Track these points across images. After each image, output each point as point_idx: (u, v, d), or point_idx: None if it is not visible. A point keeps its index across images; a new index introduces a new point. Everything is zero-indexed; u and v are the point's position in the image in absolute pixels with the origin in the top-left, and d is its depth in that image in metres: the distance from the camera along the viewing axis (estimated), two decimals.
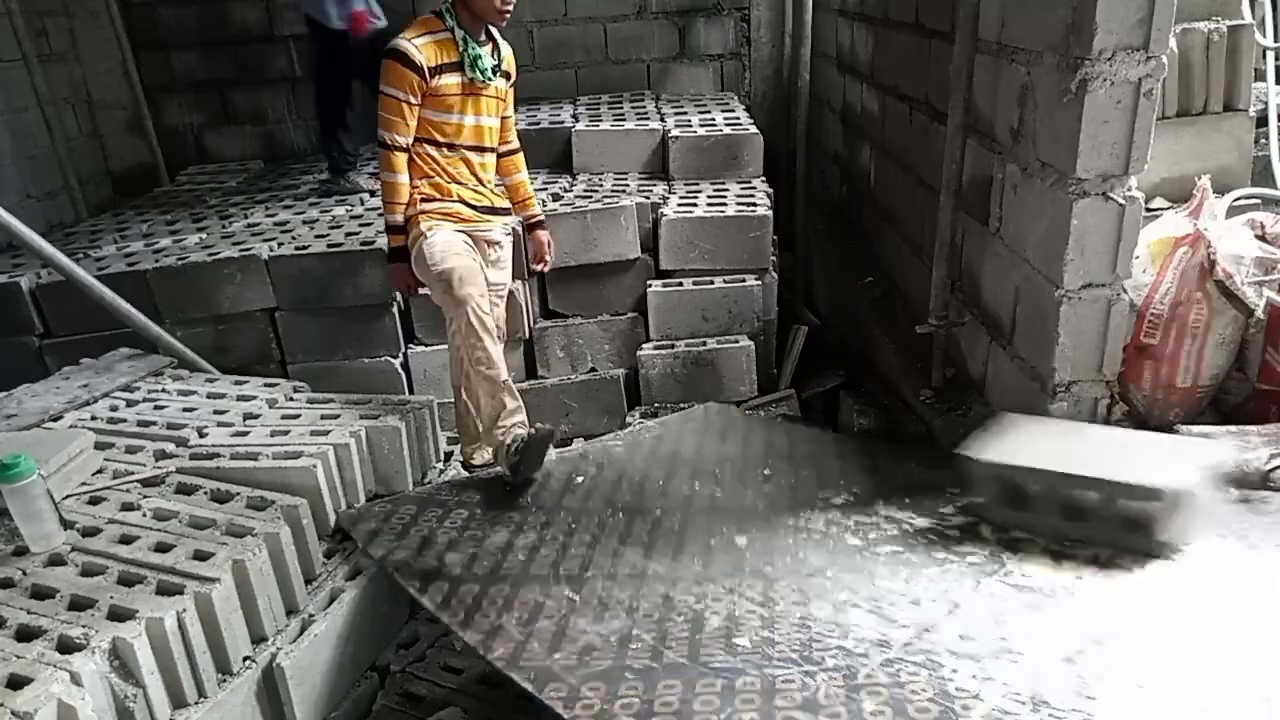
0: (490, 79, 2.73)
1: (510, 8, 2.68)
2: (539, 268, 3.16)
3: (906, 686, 1.51)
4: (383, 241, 3.47)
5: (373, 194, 4.11)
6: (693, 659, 1.68)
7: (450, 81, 2.65)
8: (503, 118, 2.89)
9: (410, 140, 2.68)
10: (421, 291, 2.86)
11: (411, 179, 2.73)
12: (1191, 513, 1.80)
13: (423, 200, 2.73)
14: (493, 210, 2.88)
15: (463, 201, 2.78)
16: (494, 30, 2.76)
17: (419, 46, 2.59)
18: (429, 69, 2.59)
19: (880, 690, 1.50)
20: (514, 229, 3.42)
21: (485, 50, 2.71)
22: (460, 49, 2.64)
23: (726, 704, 1.52)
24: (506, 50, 2.82)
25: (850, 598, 1.85)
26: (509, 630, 1.85)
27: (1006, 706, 1.43)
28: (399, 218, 2.74)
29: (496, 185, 2.94)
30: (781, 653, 1.66)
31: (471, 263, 2.73)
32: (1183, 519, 1.80)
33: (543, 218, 3.13)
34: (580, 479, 2.67)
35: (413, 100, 2.62)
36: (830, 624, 1.75)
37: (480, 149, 2.81)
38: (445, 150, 2.74)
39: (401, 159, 2.68)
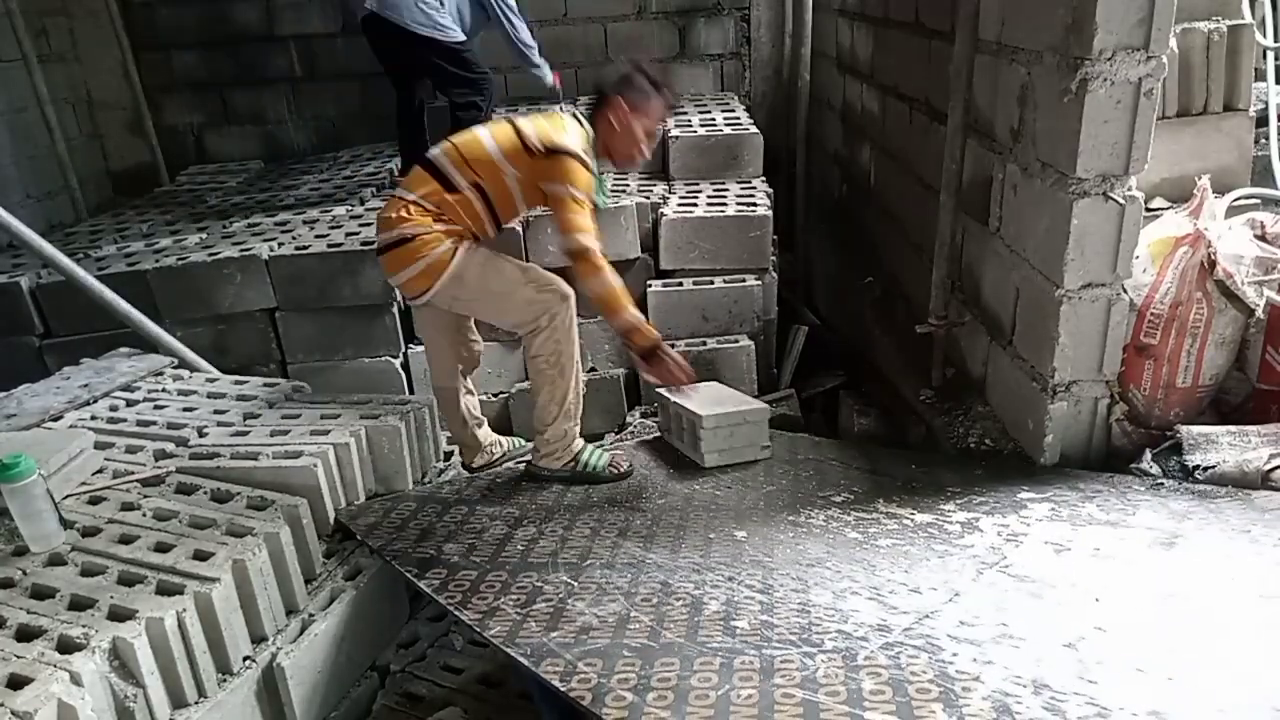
0: (603, 203, 2.73)
1: (646, 159, 2.69)
2: None
3: (906, 668, 1.51)
4: None
5: None
6: (691, 639, 1.68)
7: None
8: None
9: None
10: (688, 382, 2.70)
11: (446, 213, 2.56)
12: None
13: (447, 234, 2.56)
14: None
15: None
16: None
17: (588, 157, 2.53)
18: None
19: (880, 671, 1.51)
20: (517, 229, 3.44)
21: (607, 181, 2.71)
22: (592, 173, 2.54)
23: (724, 681, 1.53)
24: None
25: (850, 586, 1.85)
26: (506, 610, 1.86)
27: (1007, 689, 1.43)
28: (632, 314, 2.50)
29: None
30: (780, 635, 1.67)
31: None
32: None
33: None
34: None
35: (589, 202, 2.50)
36: (830, 610, 1.75)
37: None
38: (510, 219, 2.73)
39: (604, 260, 2.47)
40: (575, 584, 1.97)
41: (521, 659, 1.67)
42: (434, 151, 2.65)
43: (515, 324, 2.66)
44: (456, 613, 1.89)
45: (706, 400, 2.81)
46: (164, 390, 2.83)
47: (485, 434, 3.00)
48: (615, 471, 2.67)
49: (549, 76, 4.11)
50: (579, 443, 2.69)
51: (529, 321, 2.59)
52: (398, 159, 4.75)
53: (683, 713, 1.45)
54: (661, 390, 2.87)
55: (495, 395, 3.65)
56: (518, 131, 2.57)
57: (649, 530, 2.27)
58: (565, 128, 2.55)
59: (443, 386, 2.91)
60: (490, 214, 2.62)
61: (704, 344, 3.56)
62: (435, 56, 3.83)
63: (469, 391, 2.97)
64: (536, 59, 4.07)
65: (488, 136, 2.61)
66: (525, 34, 3.99)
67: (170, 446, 2.42)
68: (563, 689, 1.56)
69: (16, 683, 1.55)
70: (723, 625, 1.73)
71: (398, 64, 3.99)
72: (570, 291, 2.60)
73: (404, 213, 2.55)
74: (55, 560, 1.93)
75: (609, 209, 3.55)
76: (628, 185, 3.99)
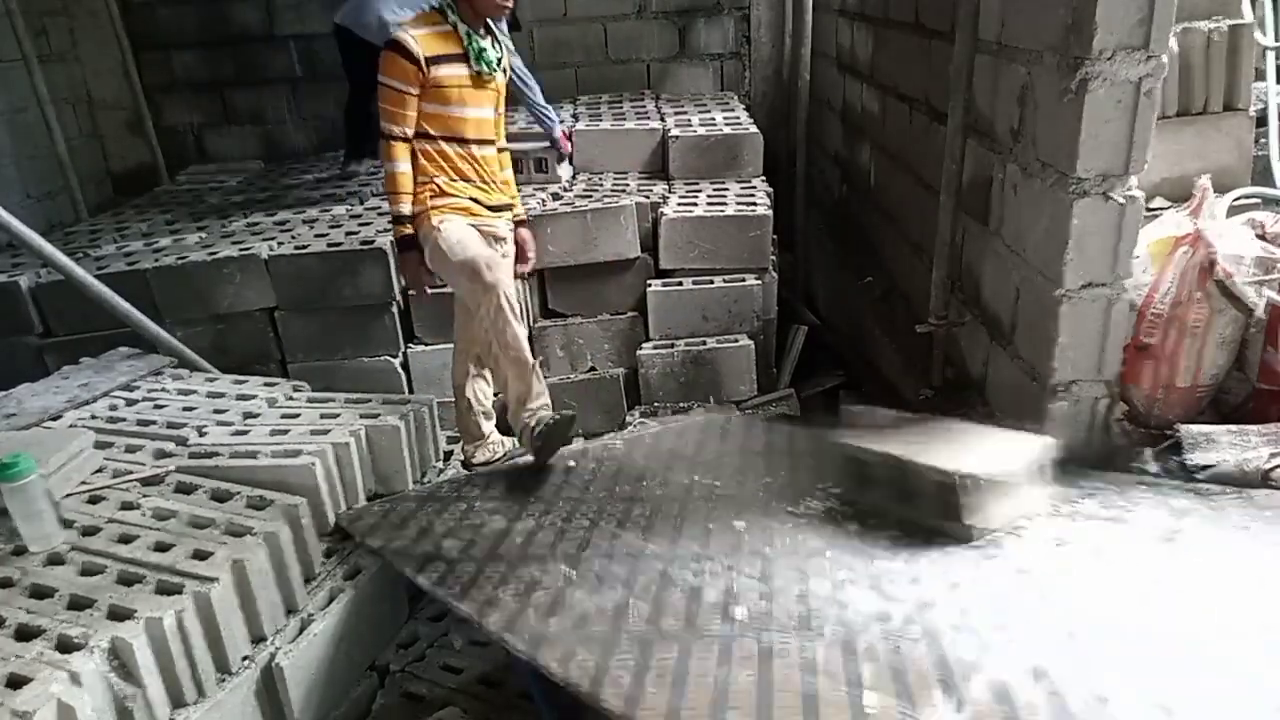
0: (494, 70, 2.75)
1: (510, 3, 2.71)
2: (521, 269, 3.10)
3: (906, 655, 1.51)
4: (383, 241, 3.48)
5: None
6: (690, 627, 1.69)
7: (451, 73, 2.66)
8: (497, 113, 2.90)
9: (410, 131, 2.67)
10: (432, 289, 2.86)
11: (419, 176, 2.72)
12: (987, 498, 1.92)
13: (432, 197, 2.73)
14: (501, 207, 2.90)
15: (473, 200, 2.79)
16: (493, 25, 2.78)
17: (417, 38, 2.60)
18: (426, 59, 2.60)
19: (879, 658, 1.51)
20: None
21: (487, 43, 2.72)
22: (464, 42, 2.65)
23: (723, 666, 1.53)
24: (506, 44, 2.84)
25: (849, 576, 1.86)
26: (505, 601, 1.86)
27: (1006, 677, 1.43)
28: (405, 208, 2.72)
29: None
30: (779, 623, 1.67)
31: (491, 250, 2.77)
32: (981, 504, 1.92)
33: (526, 218, 3.11)
34: (579, 473, 2.67)
35: (411, 90, 2.62)
36: (829, 599, 1.76)
37: (483, 142, 2.81)
38: (456, 146, 2.74)
39: (403, 149, 2.68)
40: (574, 574, 1.97)
41: (520, 647, 1.67)
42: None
43: (468, 297, 2.79)
44: (455, 605, 1.89)
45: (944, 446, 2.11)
46: (164, 390, 2.83)
47: (489, 429, 3.00)
48: (562, 413, 2.72)
49: (558, 132, 4.13)
50: (535, 419, 2.74)
51: (467, 293, 2.76)
52: None
53: (682, 697, 1.45)
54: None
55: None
56: None
57: (648, 521, 2.27)
58: (411, 19, 2.69)
59: (460, 383, 3.01)
60: (436, 150, 2.72)
61: (704, 344, 3.56)
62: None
63: (479, 376, 3.00)
64: (552, 117, 4.11)
65: None
66: (540, 96, 4.04)
67: (170, 446, 2.42)
68: (561, 676, 1.55)
69: (16, 682, 1.55)
70: (721, 613, 1.73)
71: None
72: (493, 281, 2.67)
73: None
74: (54, 560, 1.93)
75: (607, 208, 3.55)
76: (628, 185, 3.99)
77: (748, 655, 1.56)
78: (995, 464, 1.97)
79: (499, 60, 2.77)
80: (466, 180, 2.78)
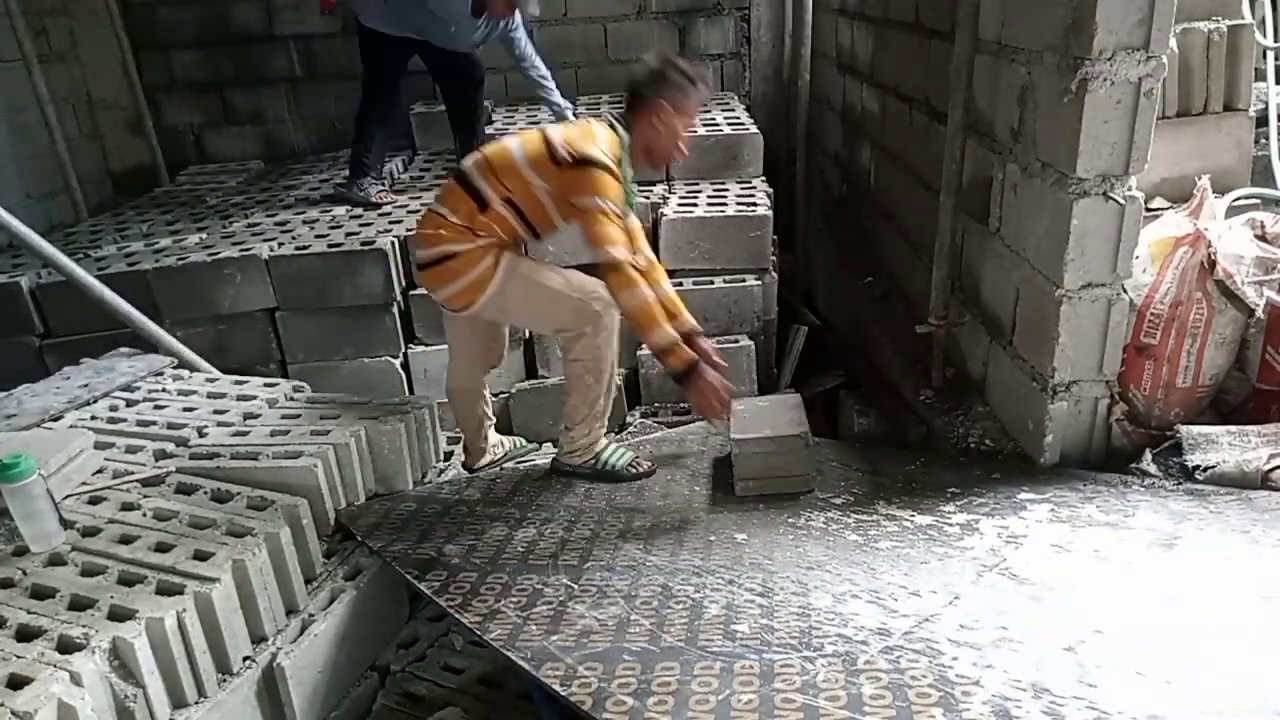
0: (634, 205, 2.62)
1: (685, 157, 2.64)
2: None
3: (906, 673, 1.51)
4: (383, 241, 3.48)
5: (380, 205, 4.07)
6: (691, 643, 1.68)
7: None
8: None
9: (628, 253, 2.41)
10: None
11: (496, 228, 2.51)
12: None
13: (486, 238, 2.52)
14: None
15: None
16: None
17: (614, 164, 2.43)
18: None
19: (880, 676, 1.51)
20: None
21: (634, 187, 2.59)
22: (623, 180, 2.47)
23: (725, 685, 1.53)
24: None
25: (850, 589, 1.85)
26: (506, 613, 1.86)
27: (1007, 693, 1.43)
28: (669, 329, 2.40)
29: None
30: (780, 639, 1.66)
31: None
32: None
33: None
34: (581, 481, 2.67)
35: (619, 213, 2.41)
36: (830, 613, 1.75)
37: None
38: (549, 233, 2.63)
39: (636, 275, 2.37)
40: (575, 586, 1.97)
41: (522, 663, 1.67)
42: (466, 163, 2.58)
43: (558, 330, 2.64)
44: (457, 615, 1.89)
45: (754, 419, 2.53)
46: (164, 390, 2.83)
47: (490, 434, 3.00)
48: (635, 471, 2.67)
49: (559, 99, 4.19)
50: (602, 442, 2.70)
51: (573, 328, 2.56)
52: (399, 159, 4.76)
53: (683, 718, 1.45)
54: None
55: (496, 395, 3.65)
56: (546, 140, 2.48)
57: (649, 532, 2.26)
58: (595, 135, 2.46)
59: (461, 388, 2.87)
60: (527, 228, 2.56)
61: None
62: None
63: (485, 388, 2.97)
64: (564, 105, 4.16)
65: (516, 145, 2.52)
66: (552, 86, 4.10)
67: (170, 446, 2.42)
68: (563, 694, 1.56)
69: (16, 683, 1.55)
70: (723, 629, 1.72)
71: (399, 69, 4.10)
72: (610, 300, 2.52)
73: (442, 230, 2.49)
74: (55, 560, 1.94)
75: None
76: None
77: (749, 675, 1.55)
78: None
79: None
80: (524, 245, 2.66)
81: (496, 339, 2.88)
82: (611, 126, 2.54)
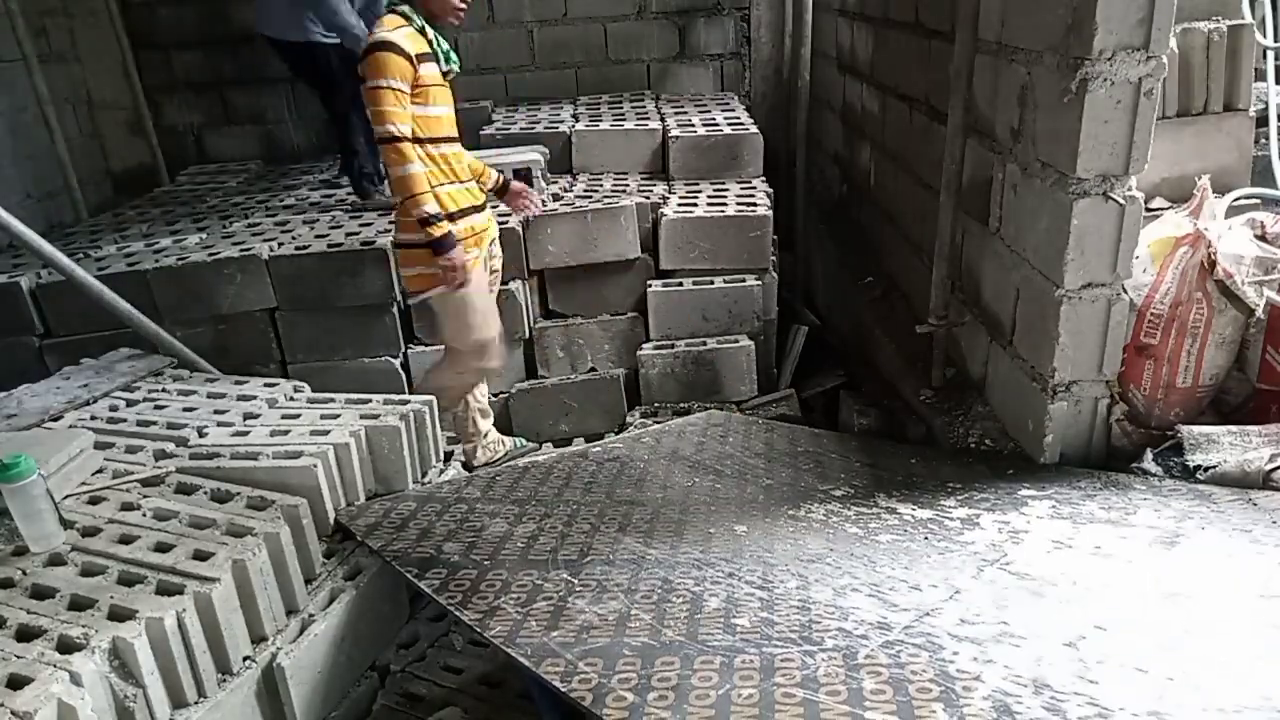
0: (455, 65, 2.80)
1: (464, 9, 2.76)
2: (532, 212, 3.22)
3: (907, 667, 1.51)
4: (383, 241, 3.48)
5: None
6: (691, 638, 1.68)
7: (428, 73, 2.68)
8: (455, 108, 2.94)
9: (410, 130, 2.66)
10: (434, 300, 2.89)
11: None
12: None
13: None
14: (484, 204, 2.94)
15: (473, 208, 2.81)
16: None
17: (402, 37, 2.61)
18: (414, 56, 2.62)
19: (880, 670, 1.51)
20: (516, 229, 3.43)
21: (445, 42, 2.78)
22: (431, 43, 2.69)
23: (725, 680, 1.52)
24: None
25: (850, 582, 1.85)
26: (506, 610, 1.86)
27: (1008, 688, 1.43)
28: (433, 205, 2.68)
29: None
30: (781, 633, 1.66)
31: (498, 324, 2.99)
32: None
33: (501, 179, 3.15)
34: (580, 475, 2.67)
35: (405, 89, 2.63)
36: (830, 607, 1.75)
37: (454, 140, 2.84)
38: (441, 147, 2.75)
39: (410, 148, 2.64)
40: (575, 581, 1.97)
41: (522, 659, 1.67)
42: None
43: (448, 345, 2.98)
44: (457, 613, 1.89)
45: None
46: (164, 390, 2.83)
47: (488, 427, 3.00)
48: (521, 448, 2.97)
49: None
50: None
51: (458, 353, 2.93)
52: None
53: (683, 713, 1.45)
54: None
55: (496, 395, 3.65)
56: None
57: (649, 525, 2.26)
58: (382, 23, 2.66)
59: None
60: (426, 155, 2.72)
61: (704, 344, 3.56)
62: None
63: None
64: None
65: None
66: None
67: (170, 446, 2.42)
68: (564, 689, 1.56)
69: (16, 683, 1.55)
70: (723, 623, 1.72)
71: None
72: (492, 369, 2.94)
73: (404, 216, 2.71)
74: (55, 560, 1.93)
75: (607, 209, 3.55)
76: (628, 185, 3.99)
77: (749, 669, 1.55)
78: None
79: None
80: (458, 182, 2.79)
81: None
82: (397, 12, 2.70)
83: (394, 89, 2.60)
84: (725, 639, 1.66)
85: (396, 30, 2.62)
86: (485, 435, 2.99)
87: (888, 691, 1.44)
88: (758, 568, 1.96)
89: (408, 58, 2.60)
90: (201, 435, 2.49)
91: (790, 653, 1.59)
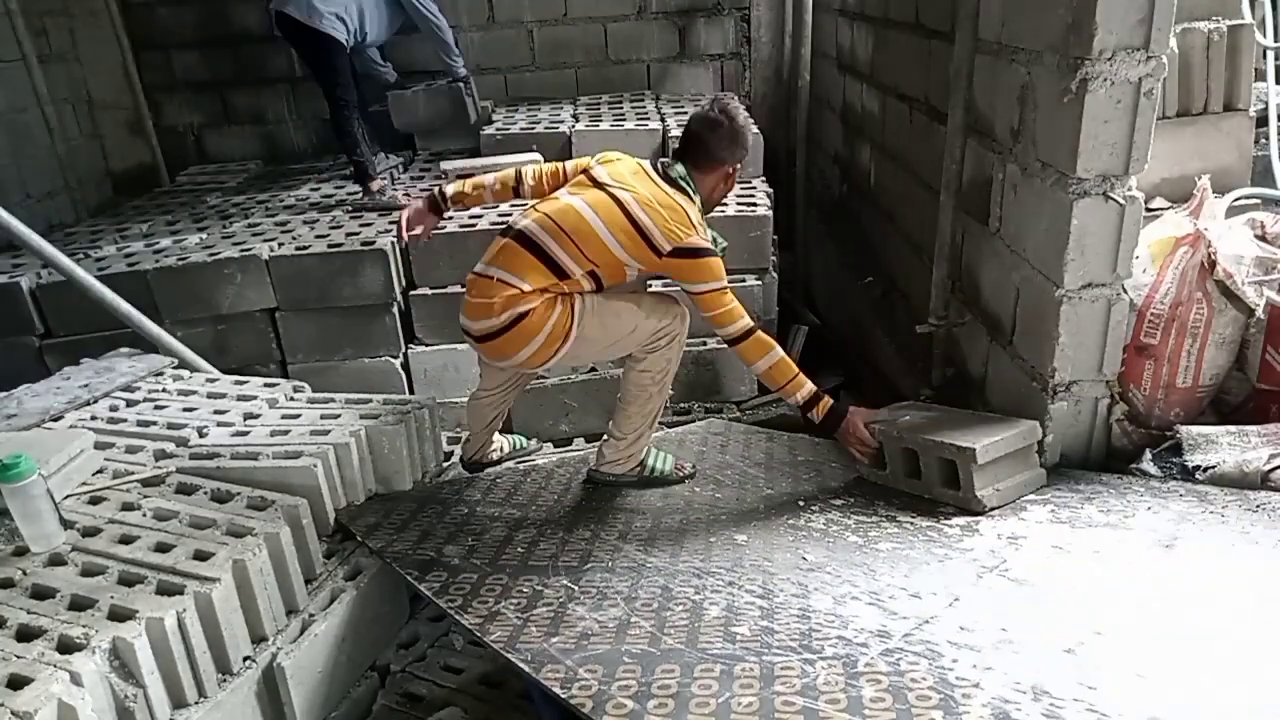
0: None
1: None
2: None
3: (906, 675, 1.51)
4: (383, 241, 3.48)
5: (403, 206, 4.02)
6: (691, 646, 1.68)
7: None
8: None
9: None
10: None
11: (570, 290, 2.44)
12: (991, 471, 2.16)
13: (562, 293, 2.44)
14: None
15: None
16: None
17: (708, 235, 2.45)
18: None
19: (880, 678, 1.51)
20: None
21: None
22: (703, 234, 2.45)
23: (725, 688, 1.52)
24: None
25: (850, 591, 1.85)
26: (507, 615, 1.86)
27: (1007, 695, 1.43)
28: (808, 385, 2.44)
29: None
30: (781, 641, 1.66)
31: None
32: (987, 477, 2.16)
33: None
34: (581, 481, 2.68)
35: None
36: (830, 615, 1.75)
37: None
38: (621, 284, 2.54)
39: (766, 336, 2.46)
40: (576, 588, 1.97)
41: (522, 665, 1.67)
42: (524, 224, 2.44)
43: (638, 349, 2.54)
44: (457, 617, 1.89)
45: (946, 426, 2.35)
46: (164, 390, 2.83)
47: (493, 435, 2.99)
48: (680, 474, 2.67)
49: (462, 70, 4.26)
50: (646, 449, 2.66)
51: (650, 345, 2.51)
52: (398, 160, 4.74)
53: None
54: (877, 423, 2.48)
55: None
56: (634, 222, 2.37)
57: (649, 533, 2.26)
58: (686, 216, 2.39)
59: (488, 401, 2.79)
60: (599, 285, 2.49)
61: (704, 344, 3.56)
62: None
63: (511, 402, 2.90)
64: (455, 54, 4.19)
65: (591, 215, 2.39)
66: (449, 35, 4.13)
67: (170, 446, 2.42)
68: (564, 696, 1.56)
69: (16, 683, 1.55)
70: (723, 631, 1.72)
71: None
72: (686, 311, 2.54)
73: (510, 296, 2.37)
74: (55, 560, 1.94)
75: None
76: None
77: (749, 677, 1.55)
78: (997, 439, 2.18)
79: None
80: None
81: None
82: (685, 192, 2.46)
83: (726, 287, 2.43)
84: (725, 647, 1.66)
85: (700, 224, 2.43)
86: (491, 439, 2.91)
87: (887, 699, 1.44)
88: (758, 576, 1.96)
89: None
90: (202, 435, 2.49)
91: (790, 661, 1.59)
